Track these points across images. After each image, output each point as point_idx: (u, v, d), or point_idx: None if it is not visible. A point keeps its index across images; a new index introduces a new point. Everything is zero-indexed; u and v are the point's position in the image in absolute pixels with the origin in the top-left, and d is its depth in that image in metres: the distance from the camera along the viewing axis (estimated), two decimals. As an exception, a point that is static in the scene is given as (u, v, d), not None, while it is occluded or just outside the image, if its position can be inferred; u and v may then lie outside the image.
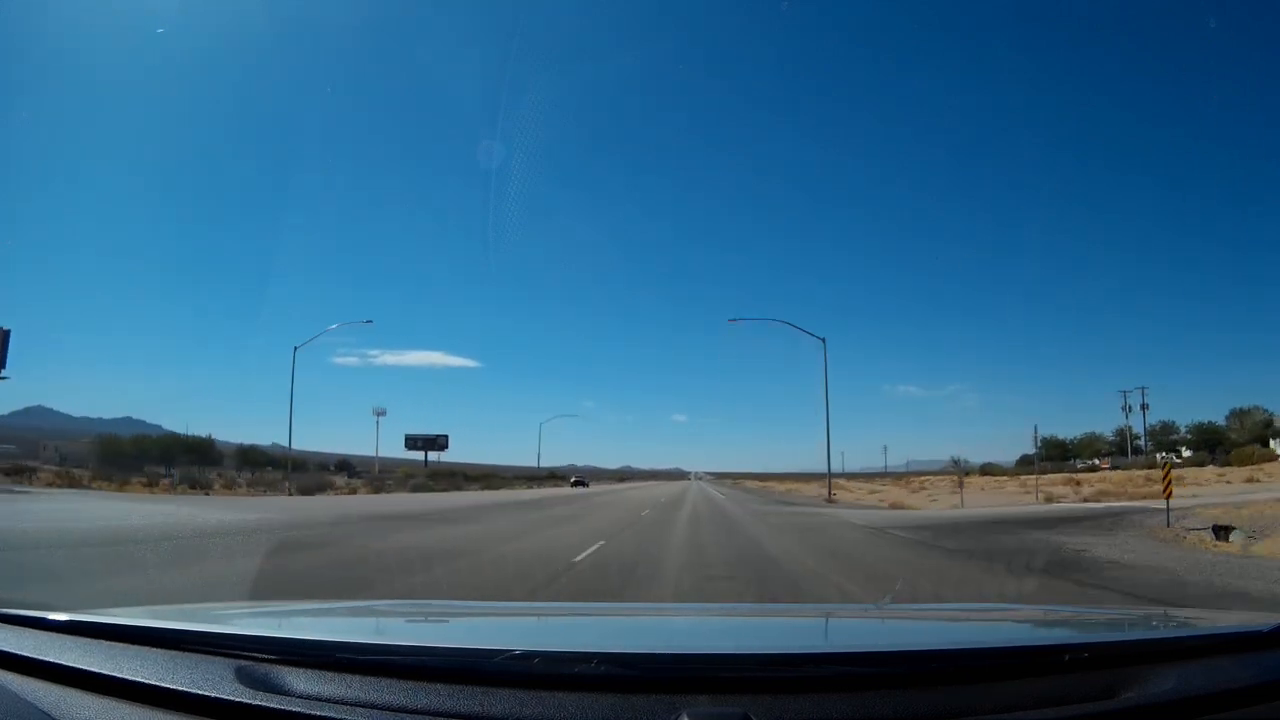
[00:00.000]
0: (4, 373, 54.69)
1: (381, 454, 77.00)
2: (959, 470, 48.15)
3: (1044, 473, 45.90)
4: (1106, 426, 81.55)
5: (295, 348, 45.06)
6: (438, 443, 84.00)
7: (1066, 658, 1.53)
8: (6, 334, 55.54)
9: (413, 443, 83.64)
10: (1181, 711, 1.40)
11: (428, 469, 73.76)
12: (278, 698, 1.40)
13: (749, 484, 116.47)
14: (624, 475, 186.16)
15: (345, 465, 78.69)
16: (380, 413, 73.12)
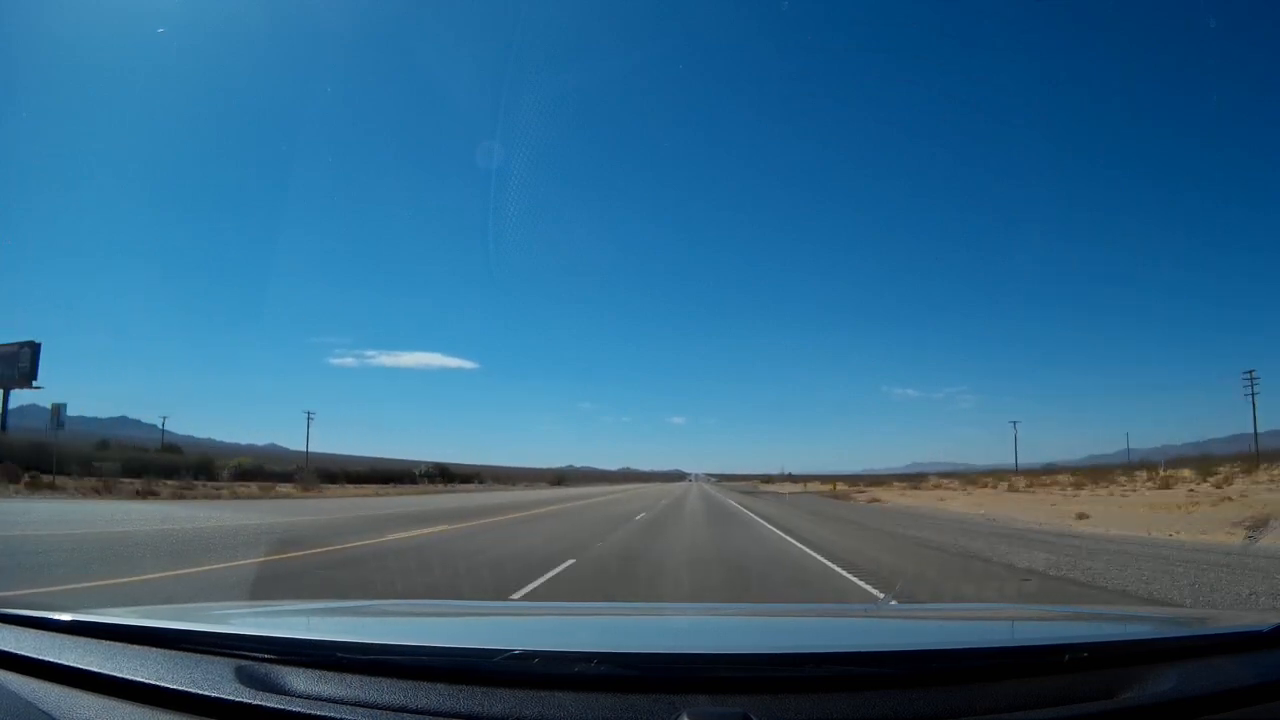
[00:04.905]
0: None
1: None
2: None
3: None
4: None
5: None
6: (18, 366, 41.82)
7: (1066, 658, 1.52)
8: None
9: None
10: (1181, 711, 1.40)
11: (9, 435, 38.12)
12: (278, 697, 1.39)
13: (806, 488, 77.95)
14: (561, 477, 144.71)
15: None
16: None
